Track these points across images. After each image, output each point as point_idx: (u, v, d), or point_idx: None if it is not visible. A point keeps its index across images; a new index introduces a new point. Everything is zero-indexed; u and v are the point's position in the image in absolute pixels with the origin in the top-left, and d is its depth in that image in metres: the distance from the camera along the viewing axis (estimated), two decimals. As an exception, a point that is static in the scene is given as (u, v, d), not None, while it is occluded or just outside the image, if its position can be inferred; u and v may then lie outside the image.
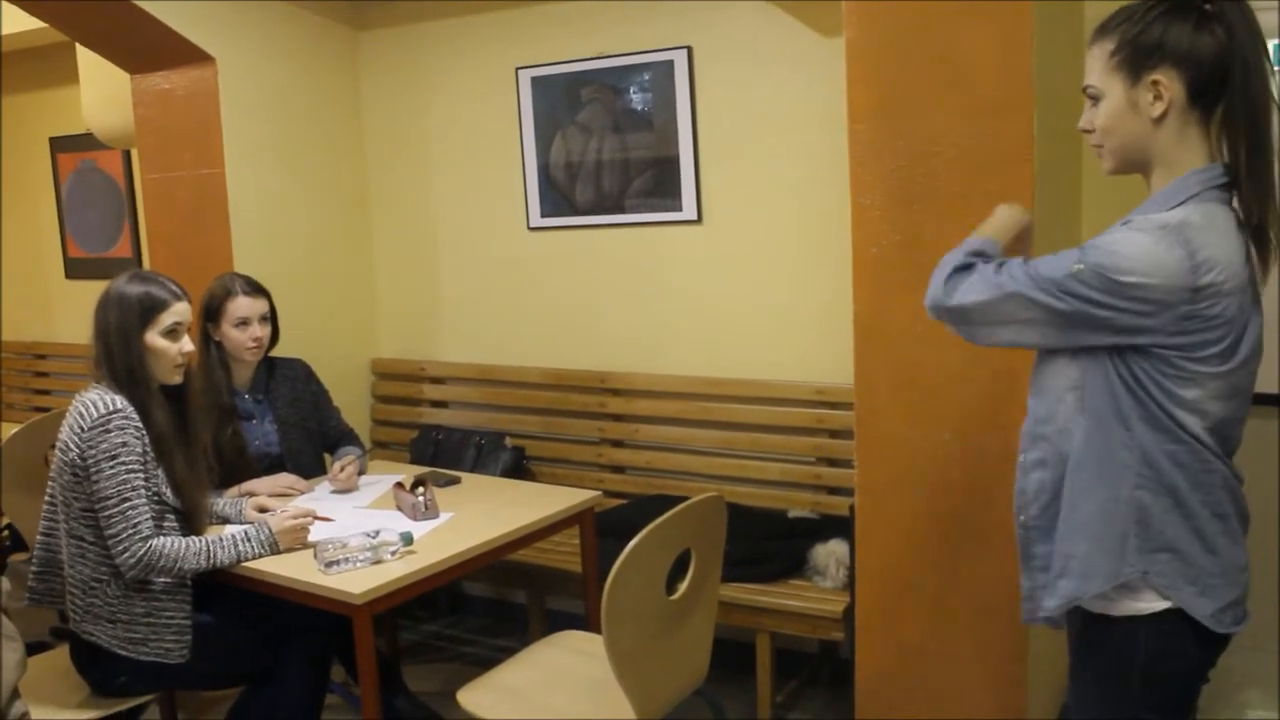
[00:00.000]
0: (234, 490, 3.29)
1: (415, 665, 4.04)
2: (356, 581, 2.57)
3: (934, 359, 2.73)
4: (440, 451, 4.19)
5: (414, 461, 4.22)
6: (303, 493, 3.32)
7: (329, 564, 2.63)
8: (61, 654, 2.90)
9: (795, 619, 3.24)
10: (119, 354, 2.72)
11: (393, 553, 2.69)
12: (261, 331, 3.32)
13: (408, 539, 2.72)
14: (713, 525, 2.55)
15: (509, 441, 4.14)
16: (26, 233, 5.77)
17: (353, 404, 4.43)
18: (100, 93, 4.19)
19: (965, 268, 1.94)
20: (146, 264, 4.04)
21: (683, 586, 2.50)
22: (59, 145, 5.47)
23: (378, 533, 2.70)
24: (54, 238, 5.60)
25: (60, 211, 5.55)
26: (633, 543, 2.26)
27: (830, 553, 3.33)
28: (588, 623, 3.26)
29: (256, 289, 3.35)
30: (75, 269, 5.51)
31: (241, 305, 3.28)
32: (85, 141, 5.01)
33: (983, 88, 2.59)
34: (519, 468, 4.09)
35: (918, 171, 2.70)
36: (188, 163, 3.90)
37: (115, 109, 4.12)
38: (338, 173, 4.38)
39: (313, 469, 3.50)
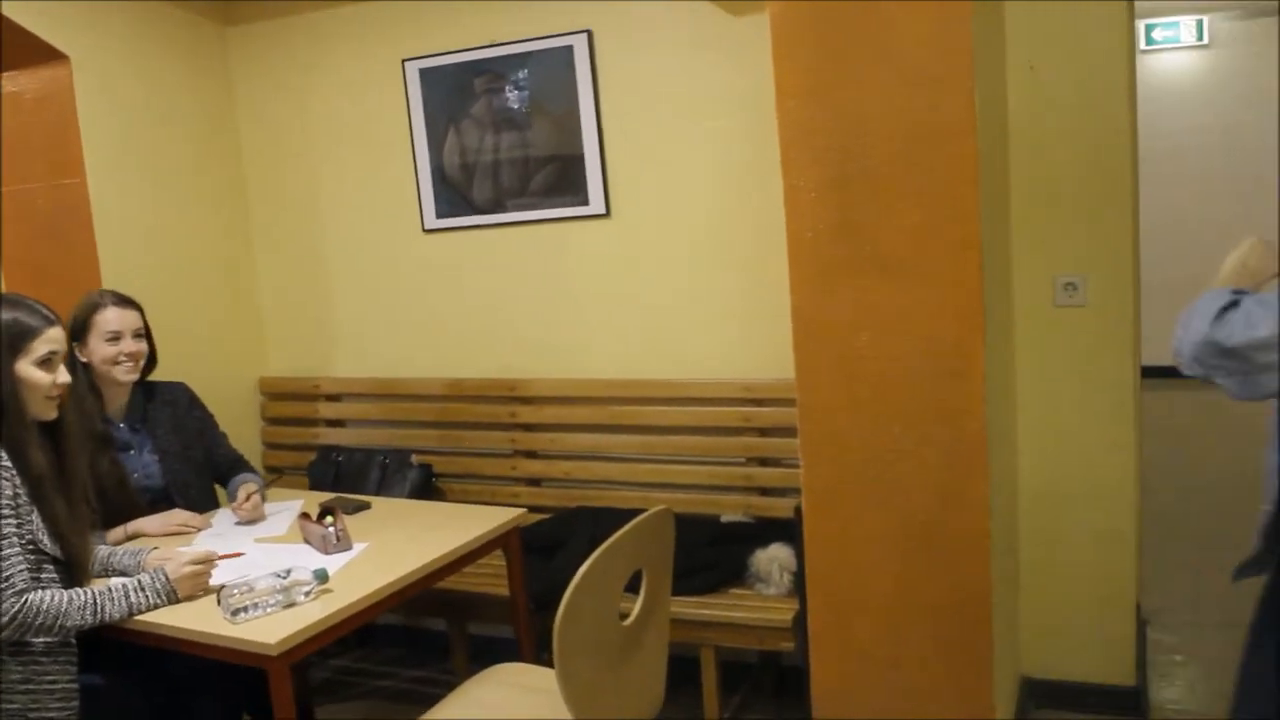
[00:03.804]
0: (119, 531, 2.97)
1: (328, 704, 3.74)
2: (269, 629, 2.29)
3: (879, 347, 2.58)
4: (342, 474, 3.90)
5: (314, 487, 3.92)
6: (199, 529, 3.01)
7: (235, 611, 2.35)
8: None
9: (742, 631, 3.06)
10: None
11: (306, 593, 2.42)
12: (135, 347, 3.01)
13: (322, 576, 2.45)
14: (663, 542, 2.35)
15: (415, 459, 3.87)
16: None
17: (241, 426, 4.11)
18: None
19: (1231, 305, 1.76)
20: (3, 287, 3.66)
21: (635, 610, 2.28)
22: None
23: (288, 572, 2.42)
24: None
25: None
26: (584, 567, 2.04)
27: (772, 558, 3.16)
28: (519, 651, 3.04)
29: (127, 301, 3.05)
30: (-80, 298, 5.04)
31: (110, 318, 2.97)
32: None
33: (919, 58, 2.44)
34: (428, 487, 3.83)
35: (853, 150, 2.54)
36: (44, 173, 3.54)
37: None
38: (213, 179, 4.05)
39: (204, 502, 3.19)
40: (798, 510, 2.81)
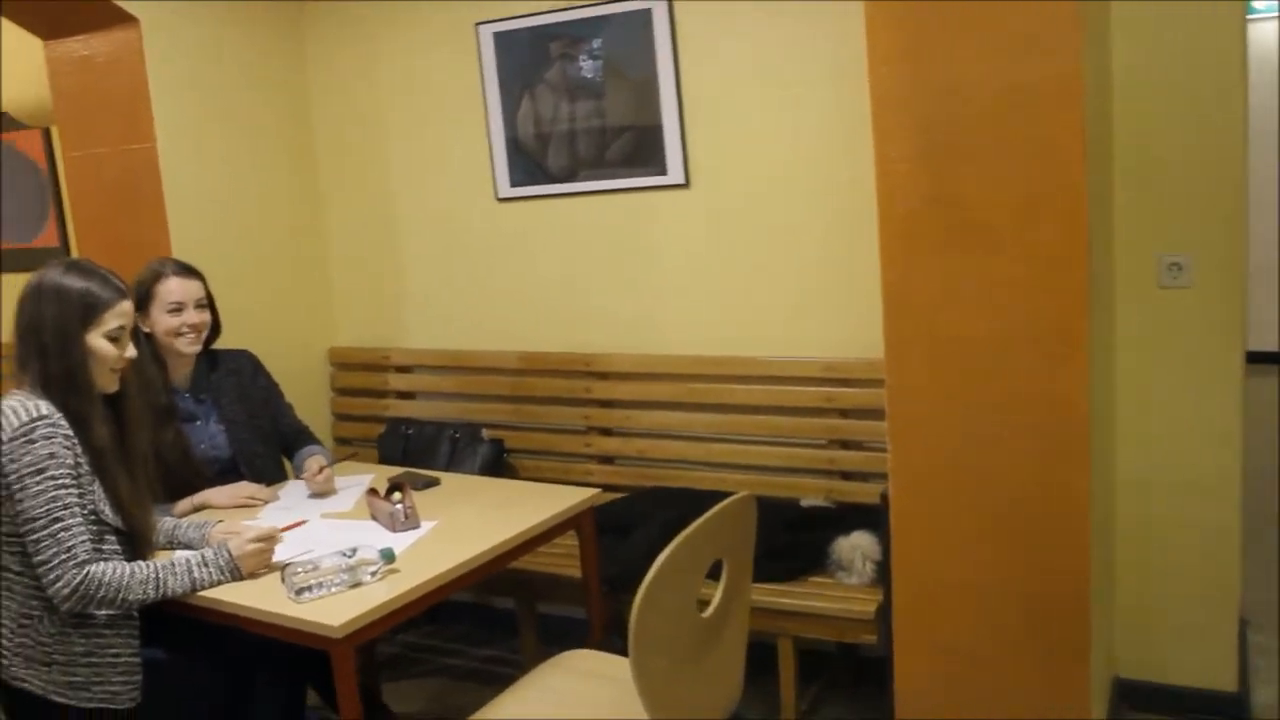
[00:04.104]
0: (186, 503, 2.92)
1: (394, 682, 3.68)
2: (333, 610, 2.21)
3: (975, 327, 2.44)
4: (411, 448, 3.83)
5: (382, 461, 3.86)
6: (266, 502, 2.95)
7: (299, 590, 2.27)
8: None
9: (821, 622, 2.93)
10: (55, 357, 2.34)
11: (373, 573, 2.34)
12: (198, 318, 2.94)
13: (389, 556, 2.36)
14: (745, 530, 2.23)
15: (486, 434, 3.78)
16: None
17: (310, 398, 4.06)
18: (11, 65, 3.75)
19: None
20: (75, 253, 3.63)
21: (715, 601, 2.16)
22: (-29, 128, 4.99)
23: (354, 551, 2.34)
24: (-28, 228, 5.13)
25: (-23, 199, 5.07)
26: (662, 557, 1.92)
27: (855, 546, 3.02)
28: (589, 633, 2.94)
29: (189, 271, 2.97)
30: (-2, 261, 5.05)
31: (173, 288, 2.91)
32: (4, 121, 4.55)
33: (1021, 19, 2.29)
34: (499, 462, 3.74)
35: (951, 119, 2.40)
36: (114, 137, 3.48)
37: (29, 82, 3.69)
38: (284, 144, 3.98)
39: (271, 472, 3.13)
40: (884, 497, 2.68)
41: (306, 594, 2.27)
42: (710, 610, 2.15)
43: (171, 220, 3.48)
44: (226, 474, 3.01)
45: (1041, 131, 2.30)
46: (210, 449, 3.01)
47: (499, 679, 3.68)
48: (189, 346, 2.95)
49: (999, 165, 2.36)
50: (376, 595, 2.27)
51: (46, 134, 4.62)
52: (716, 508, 2.07)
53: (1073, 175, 2.29)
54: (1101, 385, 2.76)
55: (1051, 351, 2.36)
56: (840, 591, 2.98)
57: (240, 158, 3.79)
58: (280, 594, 2.30)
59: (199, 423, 3.01)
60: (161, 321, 2.90)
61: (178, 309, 2.90)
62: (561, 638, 3.62)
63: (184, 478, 2.91)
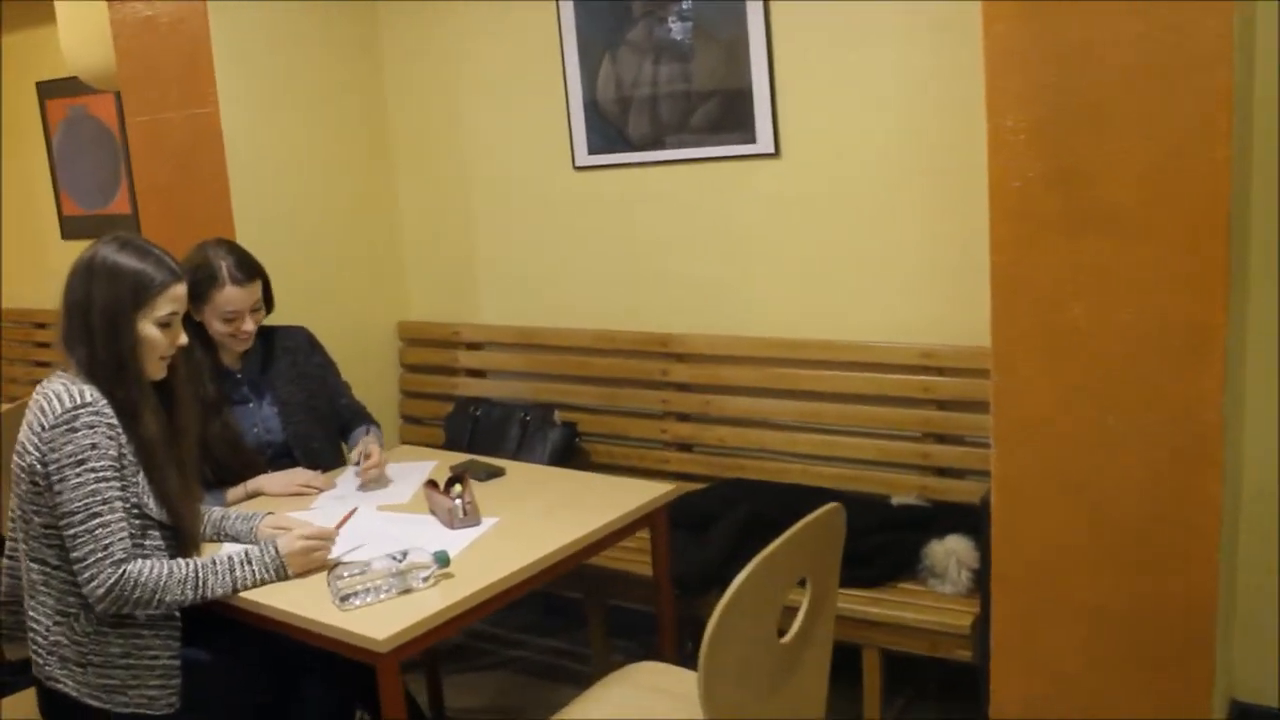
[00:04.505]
0: (239, 490, 2.77)
1: (457, 674, 3.52)
2: (379, 621, 2.03)
3: (1096, 319, 2.19)
4: (479, 430, 3.66)
5: (449, 441, 3.69)
6: (322, 490, 2.79)
7: (344, 597, 2.10)
8: (30, 697, 2.40)
9: (911, 634, 2.70)
10: (104, 340, 2.19)
11: (425, 579, 2.16)
12: (254, 324, 2.78)
13: (443, 559, 2.18)
14: (833, 546, 2.00)
15: (558, 417, 3.59)
16: (19, 189, 5.23)
17: (379, 374, 3.92)
18: (79, 27, 3.61)
19: None
20: (139, 222, 3.51)
21: (796, 625, 1.95)
22: (47, 91, 4.91)
23: (404, 554, 2.16)
24: (48, 194, 5.06)
25: (52, 165, 5.00)
26: (739, 580, 1.71)
27: (950, 551, 2.78)
28: (659, 633, 2.75)
29: (248, 272, 2.76)
30: (71, 228, 4.98)
31: (230, 297, 2.72)
32: (75, 85, 4.45)
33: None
34: (570, 448, 3.55)
35: (1077, 83, 2.14)
36: (177, 102, 3.33)
37: (97, 45, 3.55)
38: (353, 110, 3.80)
39: (328, 456, 2.97)
40: (985, 501, 2.44)
41: (352, 600, 2.10)
42: (791, 635, 1.93)
43: (234, 188, 3.33)
44: (280, 459, 2.86)
45: (1182, 98, 2.04)
46: (263, 433, 2.86)
47: (565, 675, 3.52)
48: (241, 345, 2.81)
49: (1130, 136, 2.09)
50: (428, 604, 2.09)
51: (119, 98, 4.52)
52: (800, 523, 1.85)
53: (1215, 150, 2.03)
54: (1234, 385, 2.48)
55: (1183, 346, 2.11)
56: (932, 601, 2.75)
57: (308, 124, 3.62)
58: (326, 599, 2.13)
59: (251, 405, 2.86)
60: (214, 324, 2.76)
61: (233, 317, 2.75)
62: (632, 631, 3.47)
63: (234, 467, 2.76)
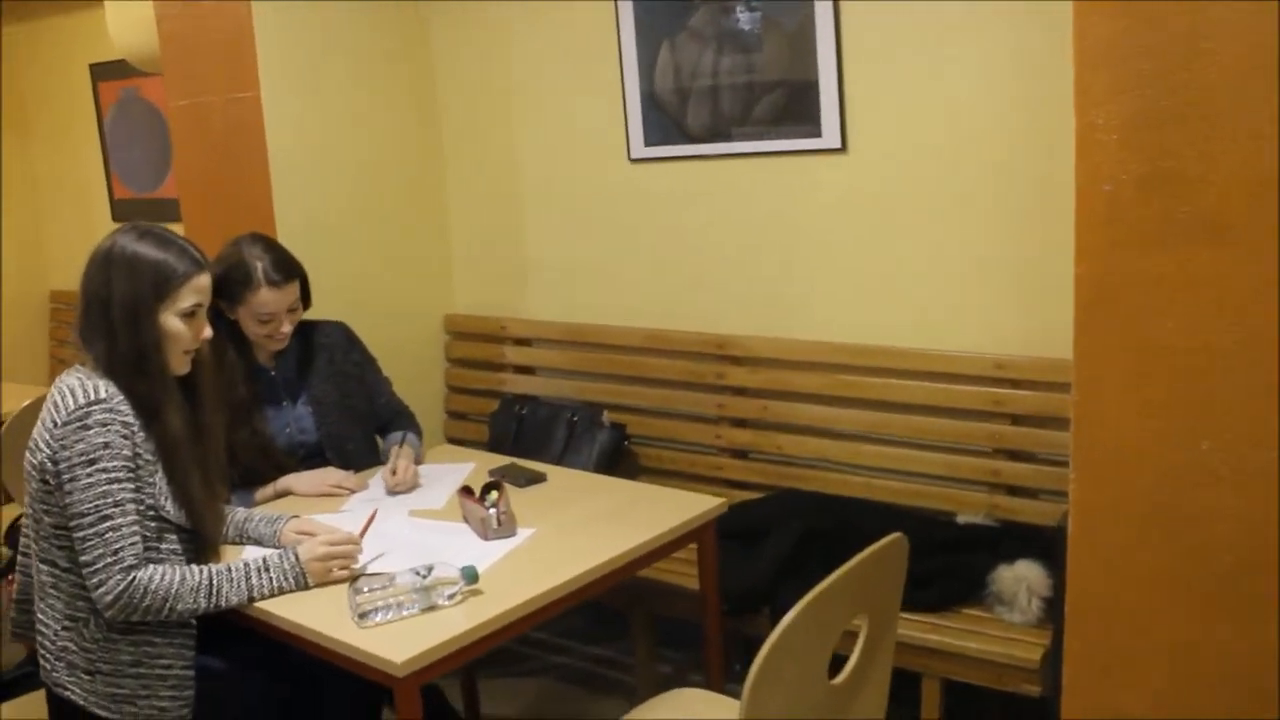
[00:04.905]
0: (269, 490, 2.66)
1: (492, 679, 3.38)
2: (399, 641, 1.89)
3: (1193, 337, 1.96)
4: (524, 429, 3.51)
5: (493, 440, 3.55)
6: (354, 492, 2.66)
7: (364, 614, 1.96)
8: (35, 700, 2.30)
9: (976, 665, 2.51)
10: (125, 333, 2.08)
11: (450, 596, 2.01)
12: (290, 325, 2.66)
13: (471, 576, 2.03)
14: (893, 581, 1.82)
15: (607, 418, 3.43)
16: (71, 172, 5.18)
17: (424, 368, 3.80)
18: (125, 8, 3.52)
19: None
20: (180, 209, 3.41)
21: (850, 666, 1.77)
22: (100, 73, 4.84)
23: (429, 570, 2.02)
24: (100, 177, 5.00)
25: (104, 147, 4.94)
26: (786, 620, 1.54)
27: (1019, 578, 2.58)
28: (705, 651, 2.59)
29: (285, 273, 2.63)
30: (122, 211, 4.91)
31: (265, 300, 2.60)
32: (127, 68, 4.37)
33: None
34: (618, 451, 3.39)
35: (1178, 78, 1.91)
36: (219, 85, 3.22)
37: (143, 27, 3.45)
38: (401, 93, 3.66)
39: (364, 458, 2.83)
40: (1061, 526, 2.25)
41: (371, 617, 1.96)
42: (843, 676, 1.76)
43: (275, 175, 3.21)
44: (312, 458, 2.74)
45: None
46: (296, 433, 2.73)
47: (608, 685, 3.38)
48: (277, 346, 2.69)
49: (1238, 137, 1.88)
50: (451, 624, 1.94)
51: (168, 79, 4.43)
52: (858, 558, 1.67)
53: (1336, 152, 1.81)
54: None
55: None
56: (999, 630, 2.55)
57: (353, 111, 3.48)
58: (346, 613, 1.99)
59: (284, 404, 2.74)
60: (249, 325, 2.65)
61: (268, 319, 2.63)
62: (680, 641, 3.31)
63: (263, 474, 2.64)
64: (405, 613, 1.98)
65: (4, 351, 4.89)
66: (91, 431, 2.01)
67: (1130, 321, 2.02)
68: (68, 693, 2.08)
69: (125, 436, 2.04)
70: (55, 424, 2.03)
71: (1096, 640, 2.16)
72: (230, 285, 2.59)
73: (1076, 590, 2.17)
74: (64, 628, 2.08)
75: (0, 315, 5.03)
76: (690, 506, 2.48)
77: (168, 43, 3.31)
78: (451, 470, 2.80)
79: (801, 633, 1.58)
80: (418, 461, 2.80)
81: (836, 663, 1.73)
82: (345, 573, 2.15)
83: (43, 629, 2.11)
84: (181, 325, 2.13)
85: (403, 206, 3.71)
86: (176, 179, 3.45)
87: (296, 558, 2.13)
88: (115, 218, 4.91)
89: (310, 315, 2.82)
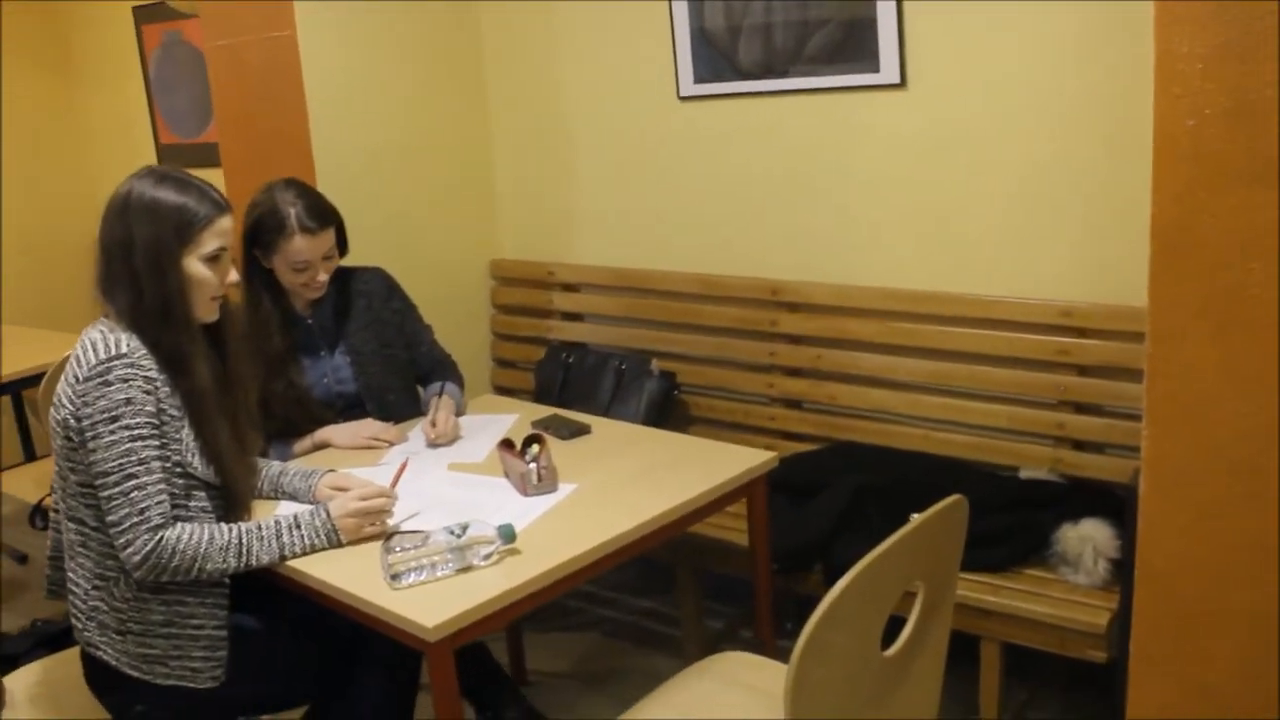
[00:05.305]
0: (307, 442, 2.59)
1: (538, 633, 3.32)
2: (432, 604, 1.82)
3: (1278, 284, 1.83)
4: (571, 378, 3.42)
5: (539, 389, 3.47)
6: (393, 444, 2.59)
7: (396, 575, 1.89)
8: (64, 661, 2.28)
9: (1038, 629, 2.40)
10: (150, 282, 2.00)
11: (486, 556, 1.93)
12: (326, 274, 2.58)
13: (508, 535, 1.95)
14: (951, 545, 1.71)
15: (656, 366, 3.33)
16: (118, 116, 5.13)
17: (470, 314, 3.73)
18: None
19: None
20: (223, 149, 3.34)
21: (904, 636, 1.67)
22: (143, 15, 4.76)
23: (464, 528, 1.94)
24: (145, 122, 4.94)
25: (149, 92, 4.87)
26: (837, 589, 1.44)
27: (1085, 538, 2.46)
28: (755, 609, 2.51)
29: (320, 219, 2.54)
30: (169, 156, 4.85)
31: (299, 248, 2.51)
32: (170, 10, 4.30)
33: None
34: (668, 400, 3.29)
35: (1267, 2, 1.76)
36: (255, 24, 3.13)
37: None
38: (444, 31, 3.55)
39: (403, 409, 2.76)
40: (1132, 483, 2.12)
41: (404, 579, 1.89)
42: (897, 647, 1.65)
43: (313, 116, 3.12)
44: (352, 410, 2.67)
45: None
46: (334, 384, 2.66)
47: (655, 640, 3.31)
48: (314, 294, 2.61)
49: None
50: (486, 586, 1.86)
51: (211, 20, 4.34)
52: (912, 523, 1.56)
53: None
54: None
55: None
56: (1063, 592, 2.44)
57: (394, 49, 3.38)
58: (379, 572, 1.92)
59: (322, 354, 2.66)
60: (284, 274, 2.57)
61: (304, 267, 2.54)
62: (729, 595, 3.24)
63: (300, 426, 2.58)
64: (439, 573, 1.90)
65: (57, 298, 4.88)
66: (113, 388, 1.94)
67: (1211, 267, 1.88)
68: (99, 652, 2.03)
69: (148, 391, 1.97)
70: (78, 379, 1.97)
71: (1168, 606, 2.05)
72: (263, 233, 2.51)
73: (1147, 552, 2.05)
74: (94, 587, 2.03)
75: (50, 262, 5.04)
76: (739, 461, 2.38)
77: (204, -18, 3.23)
78: (493, 421, 2.72)
79: (853, 601, 1.48)
80: (459, 413, 2.72)
81: (892, 624, 1.63)
82: (378, 528, 2.08)
83: (73, 588, 2.06)
84: (207, 270, 2.05)
85: (446, 147, 3.61)
86: (216, 121, 3.37)
87: (328, 514, 2.06)
88: (161, 163, 4.85)
89: (351, 260, 2.74)
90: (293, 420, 2.58)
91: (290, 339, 2.62)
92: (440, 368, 2.83)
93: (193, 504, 2.04)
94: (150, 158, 4.91)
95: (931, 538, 1.61)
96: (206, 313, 2.09)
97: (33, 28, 5.08)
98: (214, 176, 3.31)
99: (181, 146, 4.79)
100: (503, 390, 3.74)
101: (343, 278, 2.71)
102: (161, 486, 1.96)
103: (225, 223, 2.08)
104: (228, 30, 3.20)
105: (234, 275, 2.11)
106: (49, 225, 5.14)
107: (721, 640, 3.20)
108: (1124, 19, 2.47)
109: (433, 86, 3.53)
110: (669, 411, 3.30)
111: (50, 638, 2.71)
